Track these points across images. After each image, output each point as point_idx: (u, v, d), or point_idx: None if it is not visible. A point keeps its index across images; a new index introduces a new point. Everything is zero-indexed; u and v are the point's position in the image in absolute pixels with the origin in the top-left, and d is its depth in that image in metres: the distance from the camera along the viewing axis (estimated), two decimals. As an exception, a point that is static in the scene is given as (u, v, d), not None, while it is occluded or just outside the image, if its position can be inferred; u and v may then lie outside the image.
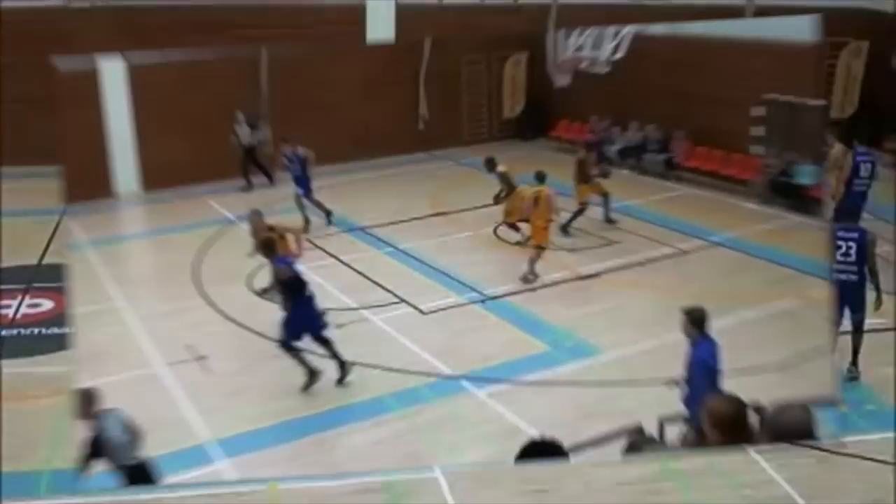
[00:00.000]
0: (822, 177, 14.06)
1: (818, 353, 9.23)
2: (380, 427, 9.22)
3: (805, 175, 16.07)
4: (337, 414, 9.53)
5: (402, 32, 16.81)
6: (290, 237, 11.88)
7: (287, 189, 16.49)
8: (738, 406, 5.21)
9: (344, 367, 10.06)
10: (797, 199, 15.91)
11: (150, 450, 8.37)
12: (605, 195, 15.45)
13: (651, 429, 7.52)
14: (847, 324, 9.24)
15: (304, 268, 13.39)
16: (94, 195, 17.62)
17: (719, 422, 5.13)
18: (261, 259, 11.25)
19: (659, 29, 18.61)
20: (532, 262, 12.89)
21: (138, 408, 9.63)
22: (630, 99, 19.62)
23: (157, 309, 12.67)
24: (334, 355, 10.06)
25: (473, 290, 12.71)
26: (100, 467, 7.32)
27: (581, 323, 11.39)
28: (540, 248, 13.00)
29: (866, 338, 9.36)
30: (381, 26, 16.56)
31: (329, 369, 10.06)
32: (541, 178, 13.31)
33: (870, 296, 9.24)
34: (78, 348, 10.68)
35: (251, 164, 18.78)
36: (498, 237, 15.13)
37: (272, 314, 10.80)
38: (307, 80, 19.56)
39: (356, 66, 20.32)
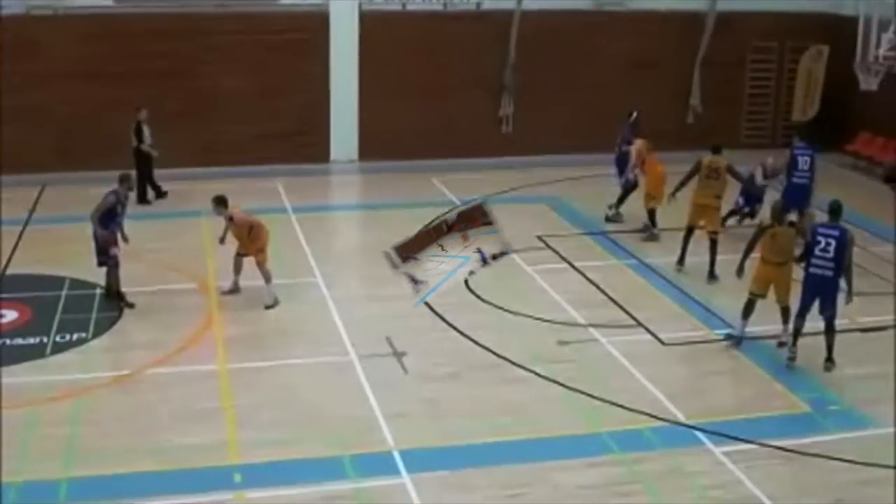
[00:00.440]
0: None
1: None
2: (592, 469, 8.39)
3: None
4: (546, 444, 8.71)
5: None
6: None
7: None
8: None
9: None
10: None
11: (334, 445, 8.42)
12: None
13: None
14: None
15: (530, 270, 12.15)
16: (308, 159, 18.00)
17: None
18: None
19: None
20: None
21: (325, 395, 9.31)
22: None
23: (357, 292, 12.34)
24: None
25: (729, 325, 11.18)
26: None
27: (853, 385, 10.03)
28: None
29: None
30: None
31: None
32: (835, 211, 10.39)
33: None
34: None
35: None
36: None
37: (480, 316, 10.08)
38: (566, 51, 18.56)
39: (623, 40, 18.89)
